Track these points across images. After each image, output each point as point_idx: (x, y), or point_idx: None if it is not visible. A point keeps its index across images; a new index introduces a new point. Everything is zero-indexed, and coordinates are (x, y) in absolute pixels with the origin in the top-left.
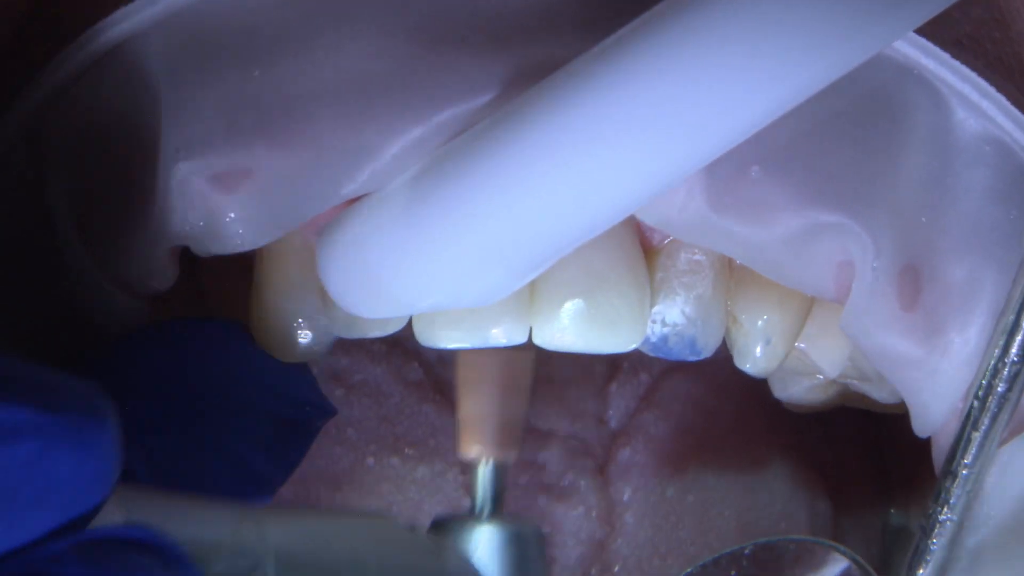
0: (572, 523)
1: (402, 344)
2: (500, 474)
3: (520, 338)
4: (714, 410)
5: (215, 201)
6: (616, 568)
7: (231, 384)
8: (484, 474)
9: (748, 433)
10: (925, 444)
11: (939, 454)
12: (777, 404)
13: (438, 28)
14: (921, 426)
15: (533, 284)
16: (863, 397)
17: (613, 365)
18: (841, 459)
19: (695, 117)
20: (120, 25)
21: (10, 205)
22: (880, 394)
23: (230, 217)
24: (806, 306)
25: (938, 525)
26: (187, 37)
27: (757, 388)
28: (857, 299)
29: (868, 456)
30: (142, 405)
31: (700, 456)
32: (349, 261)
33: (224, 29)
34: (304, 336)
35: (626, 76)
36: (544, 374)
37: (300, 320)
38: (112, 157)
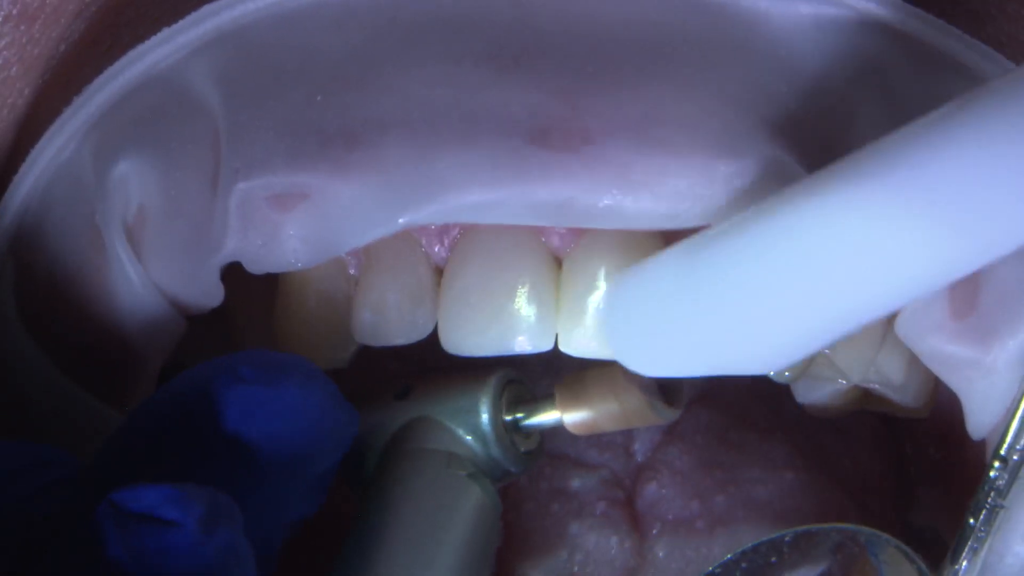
0: (606, 552)
1: None
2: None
3: (546, 345)
4: (737, 440)
5: (275, 220)
6: None
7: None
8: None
9: (771, 461)
10: (945, 452)
11: (993, 452)
12: (797, 428)
13: (503, 55)
14: (976, 426)
15: (559, 292)
16: (885, 401)
17: None
18: (863, 472)
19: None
20: (165, 45)
21: (65, 218)
22: (902, 398)
23: (290, 235)
24: None
25: (987, 511)
26: (244, 59)
27: (777, 415)
28: (915, 304)
29: (890, 466)
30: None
31: (726, 488)
32: (638, 322)
33: (283, 53)
34: (329, 345)
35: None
36: None
37: (325, 328)
38: (164, 173)
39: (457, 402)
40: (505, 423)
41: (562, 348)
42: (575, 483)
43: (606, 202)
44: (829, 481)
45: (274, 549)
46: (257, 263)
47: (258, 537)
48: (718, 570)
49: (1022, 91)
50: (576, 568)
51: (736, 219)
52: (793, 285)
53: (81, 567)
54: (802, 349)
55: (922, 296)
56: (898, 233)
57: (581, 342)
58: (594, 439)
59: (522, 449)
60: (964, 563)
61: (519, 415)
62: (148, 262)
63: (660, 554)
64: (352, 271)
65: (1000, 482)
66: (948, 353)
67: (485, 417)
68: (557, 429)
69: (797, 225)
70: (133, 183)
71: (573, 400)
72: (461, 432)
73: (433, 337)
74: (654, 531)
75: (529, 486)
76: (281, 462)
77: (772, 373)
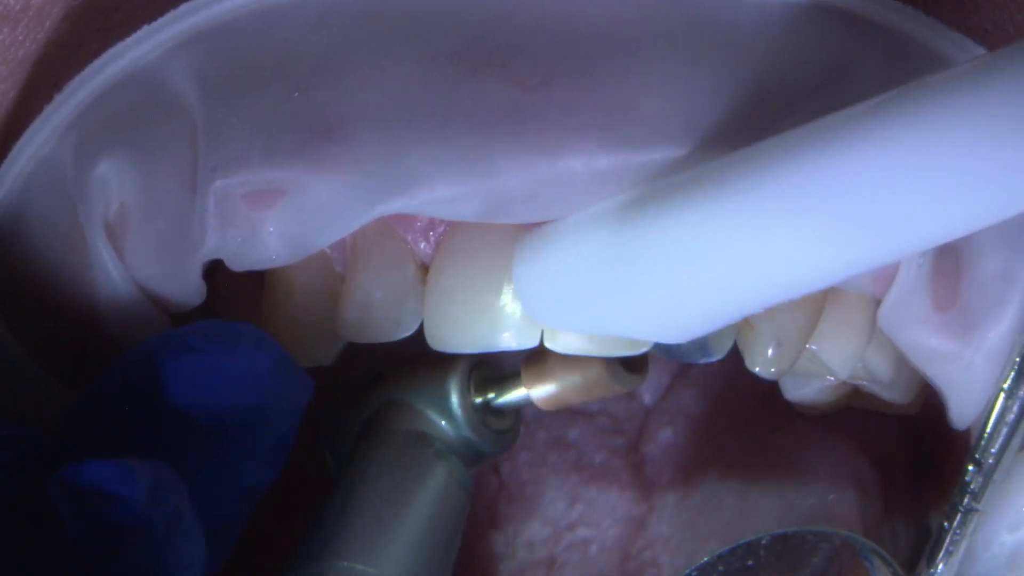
0: (607, 502)
1: None
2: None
3: (532, 342)
4: (750, 386)
5: (253, 218)
6: (657, 548)
7: (234, 400)
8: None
9: (786, 409)
10: (938, 447)
11: (973, 446)
12: None
13: (478, 52)
14: (957, 418)
15: None
16: (873, 398)
17: None
18: (884, 437)
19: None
20: (145, 42)
21: (46, 215)
22: (891, 395)
23: (269, 232)
24: (817, 307)
25: (961, 514)
26: (222, 57)
27: None
28: (897, 295)
29: (907, 441)
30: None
31: (740, 436)
32: (546, 276)
33: (262, 51)
34: (315, 342)
35: (856, 153)
36: None
37: (310, 325)
38: (144, 173)
39: (428, 386)
40: (475, 405)
41: (548, 345)
42: (573, 432)
43: (571, 197)
44: (841, 432)
45: (233, 517)
46: (237, 261)
47: (214, 504)
48: (694, 573)
49: (933, 98)
50: (576, 517)
51: (657, 187)
52: (700, 262)
53: (32, 543)
54: (706, 325)
55: (832, 283)
56: (804, 223)
57: (567, 339)
58: None
59: (496, 428)
60: (940, 566)
61: (489, 395)
62: (129, 260)
63: (671, 502)
64: (338, 268)
65: (974, 485)
66: (928, 346)
67: (455, 399)
68: None
69: (705, 207)
70: (113, 182)
71: (538, 376)
72: (433, 415)
73: (419, 334)
74: (666, 479)
75: (526, 436)
76: (232, 429)
77: (757, 369)
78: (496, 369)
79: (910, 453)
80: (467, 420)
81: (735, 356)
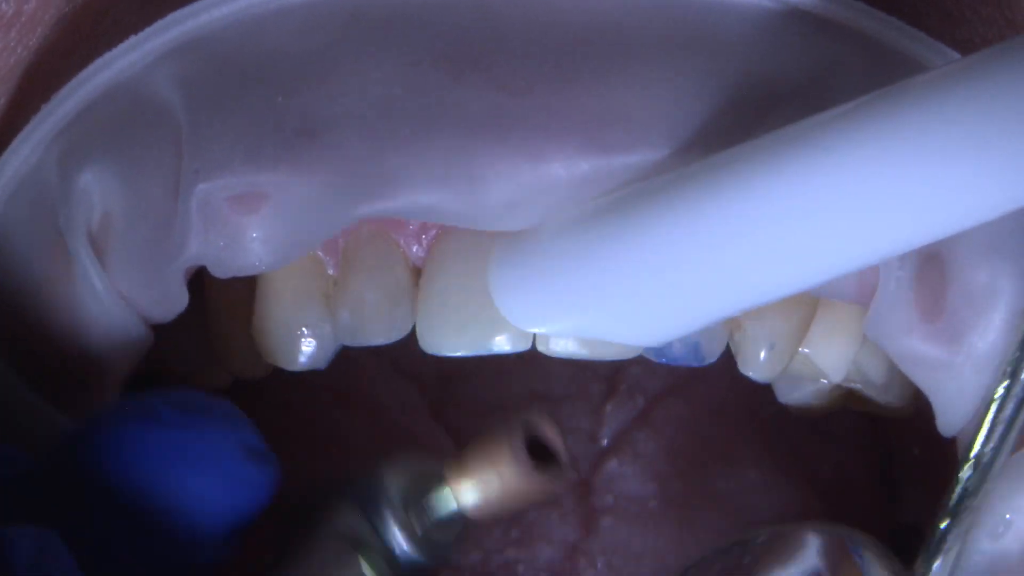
0: (544, 527)
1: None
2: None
3: (523, 345)
4: (707, 436)
5: (236, 222)
6: (583, 565)
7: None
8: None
9: (740, 460)
10: (929, 451)
11: (963, 452)
12: (772, 426)
13: (461, 56)
14: (946, 425)
15: None
16: (867, 400)
17: (610, 385)
18: (842, 473)
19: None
20: (131, 53)
21: (30, 227)
22: (884, 397)
23: (252, 237)
24: (810, 310)
25: (956, 514)
26: (207, 64)
27: (753, 415)
28: (881, 305)
29: (872, 466)
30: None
31: (687, 476)
32: (524, 281)
33: (247, 58)
34: (308, 345)
35: (830, 163)
36: (541, 390)
37: (304, 329)
38: (128, 180)
39: (366, 497)
40: (408, 520)
41: (539, 348)
42: None
43: (553, 201)
44: (798, 481)
45: None
46: (220, 266)
47: None
48: (692, 571)
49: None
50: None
51: (636, 189)
52: (677, 264)
53: None
54: (682, 327)
55: (816, 283)
56: (782, 225)
57: (559, 342)
58: (559, 424)
59: (435, 540)
60: (937, 563)
61: (425, 511)
62: (112, 270)
63: (606, 524)
64: (330, 271)
65: (972, 484)
66: (918, 353)
67: (395, 529)
68: None
69: (683, 210)
70: (97, 191)
71: (461, 481)
72: (366, 524)
73: (412, 337)
74: (606, 504)
75: None
76: (190, 506)
77: (750, 372)
78: (436, 474)
79: (869, 476)
80: (410, 542)
81: (692, 403)
